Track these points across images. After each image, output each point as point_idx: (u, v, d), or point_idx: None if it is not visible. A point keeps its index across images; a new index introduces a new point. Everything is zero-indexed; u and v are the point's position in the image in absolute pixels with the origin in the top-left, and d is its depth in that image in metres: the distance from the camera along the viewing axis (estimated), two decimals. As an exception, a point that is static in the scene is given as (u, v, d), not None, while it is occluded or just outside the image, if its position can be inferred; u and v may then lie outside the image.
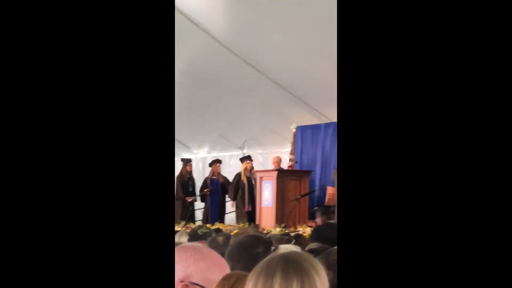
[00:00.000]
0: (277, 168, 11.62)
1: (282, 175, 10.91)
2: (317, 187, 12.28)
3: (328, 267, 2.39)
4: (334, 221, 8.28)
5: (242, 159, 12.57)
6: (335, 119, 12.39)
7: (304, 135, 13.00)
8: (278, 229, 9.39)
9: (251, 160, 12.52)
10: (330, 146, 12.54)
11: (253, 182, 11.91)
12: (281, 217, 10.40)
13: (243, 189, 12.18)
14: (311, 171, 12.05)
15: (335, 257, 2.45)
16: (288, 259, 1.75)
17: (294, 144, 12.56)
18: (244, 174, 12.25)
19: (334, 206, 10.14)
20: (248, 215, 11.85)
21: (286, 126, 12.43)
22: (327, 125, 12.58)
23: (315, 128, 12.83)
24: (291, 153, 12.30)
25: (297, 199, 10.41)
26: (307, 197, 11.01)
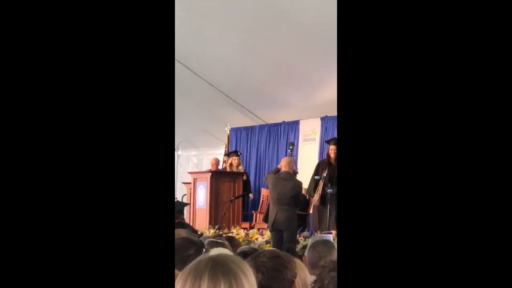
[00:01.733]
0: (214, 169, 11.59)
1: (216, 176, 10.90)
2: (251, 189, 12.34)
3: (257, 270, 2.42)
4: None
5: (229, 154, 11.46)
6: (269, 121, 12.50)
7: (239, 137, 13.05)
8: (212, 231, 9.38)
9: (238, 155, 11.36)
10: (264, 148, 12.63)
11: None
12: (215, 218, 10.39)
13: None
14: (245, 173, 12.10)
15: (264, 259, 2.47)
16: (216, 261, 1.76)
17: (228, 145, 12.58)
18: (230, 170, 11.18)
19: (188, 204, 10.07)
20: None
21: (220, 127, 12.45)
22: (261, 127, 12.66)
23: (249, 130, 12.90)
24: (225, 155, 12.31)
25: (231, 201, 10.42)
26: (241, 199, 11.04)
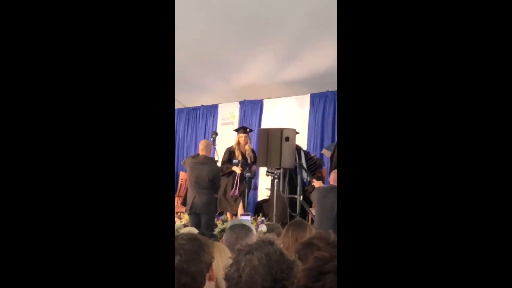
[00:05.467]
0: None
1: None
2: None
3: (175, 252, 2.45)
4: None
5: (238, 131, 9.70)
6: (188, 105, 12.46)
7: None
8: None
9: (247, 132, 9.53)
10: (183, 131, 12.59)
11: (248, 161, 9.35)
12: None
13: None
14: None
15: (182, 241, 2.50)
16: None
17: (147, 129, 12.43)
18: (238, 149, 9.44)
19: None
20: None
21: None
22: (180, 110, 12.61)
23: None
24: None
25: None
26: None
